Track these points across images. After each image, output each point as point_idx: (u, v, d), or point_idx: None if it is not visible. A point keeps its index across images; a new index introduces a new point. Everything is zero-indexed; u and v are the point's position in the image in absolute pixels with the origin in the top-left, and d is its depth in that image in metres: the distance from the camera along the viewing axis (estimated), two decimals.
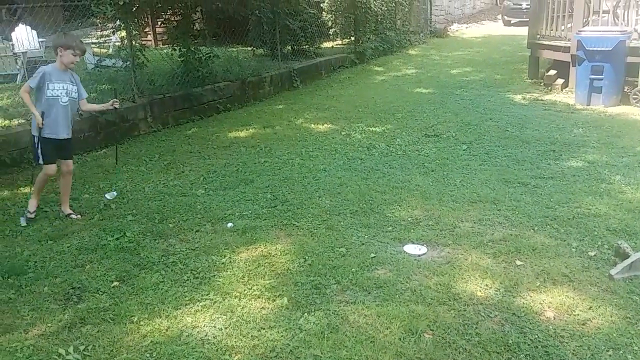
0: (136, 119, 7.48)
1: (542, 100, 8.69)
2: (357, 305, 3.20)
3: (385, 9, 13.40)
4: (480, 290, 3.28)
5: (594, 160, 5.69)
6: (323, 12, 12.61)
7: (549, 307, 3.07)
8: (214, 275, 3.63)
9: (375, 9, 12.86)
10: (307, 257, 3.81)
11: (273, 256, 3.86)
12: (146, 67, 7.80)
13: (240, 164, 6.10)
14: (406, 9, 14.70)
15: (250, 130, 7.60)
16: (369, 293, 3.33)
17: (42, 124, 4.41)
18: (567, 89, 9.11)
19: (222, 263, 3.79)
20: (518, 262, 3.58)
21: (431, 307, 3.14)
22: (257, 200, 4.95)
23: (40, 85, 4.40)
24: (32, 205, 4.69)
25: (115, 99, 4.95)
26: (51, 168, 4.63)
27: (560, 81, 9.28)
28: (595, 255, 3.64)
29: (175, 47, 8.34)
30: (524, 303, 3.12)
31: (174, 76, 8.31)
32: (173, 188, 5.40)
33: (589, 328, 2.87)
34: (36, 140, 4.52)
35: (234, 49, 11.20)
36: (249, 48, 11.16)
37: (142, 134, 7.49)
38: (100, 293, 3.47)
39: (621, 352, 2.68)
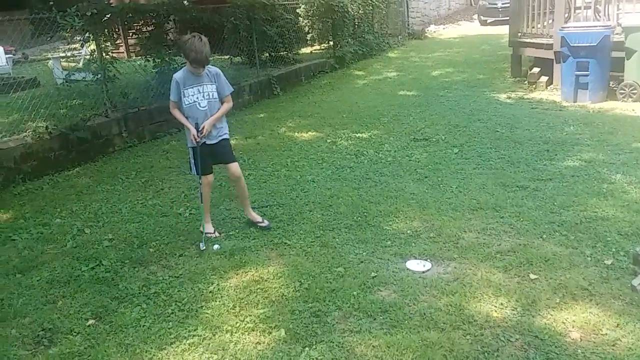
0: (110, 134, 7.08)
1: (527, 98, 8.52)
2: (363, 334, 2.90)
3: (363, 12, 13.20)
4: (495, 311, 3.00)
5: (590, 159, 5.49)
6: (299, 18, 12.34)
7: (573, 327, 2.80)
8: (202, 307, 3.29)
9: (353, 13, 12.63)
10: (302, 280, 3.50)
11: (265, 281, 3.54)
12: (118, 80, 7.41)
13: (223, 178, 5.72)
14: (383, 12, 14.52)
15: (232, 141, 7.20)
16: (375, 319, 3.03)
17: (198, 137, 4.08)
18: (551, 86, 8.97)
19: (210, 292, 3.46)
20: (532, 276, 3.32)
21: (445, 332, 2.85)
22: (243, 217, 4.61)
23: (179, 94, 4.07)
24: (208, 227, 4.33)
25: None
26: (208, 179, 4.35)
27: (544, 79, 9.14)
28: (612, 264, 3.40)
29: (149, 58, 7.96)
30: (545, 323, 2.85)
31: (148, 88, 7.93)
32: (152, 208, 5.04)
33: (620, 349, 2.61)
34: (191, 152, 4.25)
35: (210, 58, 10.86)
36: (226, 56, 10.81)
37: (118, 150, 7.10)
38: (74, 334, 3.10)
39: None
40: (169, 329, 3.09)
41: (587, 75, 7.78)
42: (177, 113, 4.18)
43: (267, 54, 10.83)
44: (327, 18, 12.10)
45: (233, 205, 4.94)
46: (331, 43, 12.49)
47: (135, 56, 12.77)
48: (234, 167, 4.33)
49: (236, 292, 3.43)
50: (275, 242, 4.12)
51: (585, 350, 2.62)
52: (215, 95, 4.13)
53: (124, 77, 7.86)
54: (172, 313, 3.25)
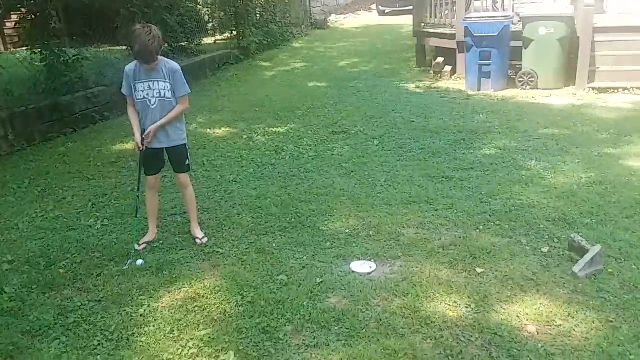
0: None
1: (435, 88, 8.75)
2: (321, 348, 2.70)
3: (265, 0, 12.86)
4: (450, 310, 2.94)
5: (504, 147, 5.70)
6: (198, 6, 11.76)
7: (527, 320, 2.81)
8: (133, 334, 2.91)
9: (256, 1, 12.27)
10: (244, 293, 3.23)
11: (203, 297, 3.22)
12: (1, 75, 6.54)
13: (135, 182, 5.25)
14: (286, 1, 14.27)
15: None
16: (330, 330, 2.84)
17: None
18: (455, 75, 9.29)
19: (141, 315, 3.07)
20: (478, 270, 3.31)
21: (405, 338, 2.73)
22: (165, 226, 4.22)
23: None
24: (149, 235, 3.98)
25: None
26: (148, 181, 3.99)
27: (448, 68, 9.43)
28: (548, 251, 3.49)
29: (35, 50, 7.10)
30: (501, 319, 2.84)
31: (36, 84, 7.09)
32: (56, 221, 4.47)
33: (577, 339, 2.65)
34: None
35: (102, 49, 10.02)
36: (122, 47, 10.01)
37: (4, 155, 6.27)
38: None
39: None
40: None
41: (489, 65, 8.12)
42: (130, 111, 3.74)
43: (168, 45, 10.18)
44: (229, 6, 11.63)
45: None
46: (234, 33, 12.04)
47: (14, 48, 11.49)
48: (182, 176, 3.97)
49: (171, 312, 3.08)
50: (206, 251, 3.79)
51: (544, 343, 2.63)
52: (169, 94, 3.68)
53: (5, 71, 6.97)
54: (99, 345, 2.84)
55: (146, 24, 3.55)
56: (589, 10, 7.63)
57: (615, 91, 7.63)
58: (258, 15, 12.99)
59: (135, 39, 3.42)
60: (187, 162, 3.99)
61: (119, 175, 5.48)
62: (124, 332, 2.93)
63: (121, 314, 3.10)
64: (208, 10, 11.86)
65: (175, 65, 3.71)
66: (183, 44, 10.39)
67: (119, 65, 8.75)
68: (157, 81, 3.63)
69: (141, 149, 3.73)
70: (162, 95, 3.66)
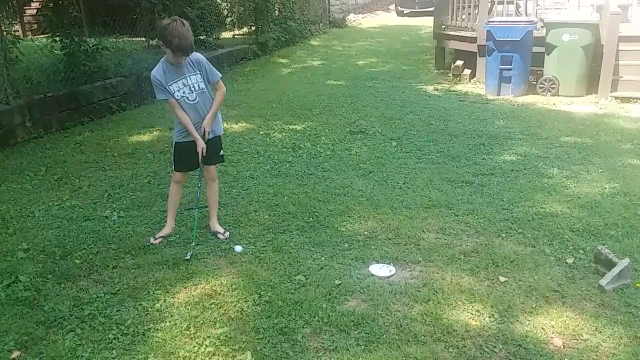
0: (12, 124, 6.23)
1: (454, 91, 8.65)
2: (340, 353, 2.65)
3: None
4: (473, 319, 2.87)
5: (525, 153, 5.61)
6: (218, 0, 11.72)
7: (553, 333, 2.73)
8: (149, 329, 2.87)
9: None
10: (261, 292, 3.18)
11: (219, 294, 3.17)
12: (20, 62, 6.53)
13: (151, 174, 5.24)
14: None
15: (155, 132, 6.67)
16: (349, 334, 2.79)
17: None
18: (475, 79, 9.19)
19: (157, 310, 3.03)
20: (501, 279, 3.24)
21: (426, 346, 2.67)
22: (182, 220, 4.18)
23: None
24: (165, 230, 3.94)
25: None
26: (177, 176, 3.90)
27: (467, 71, 9.33)
28: (573, 262, 3.40)
29: (55, 38, 7.09)
30: (526, 330, 2.76)
31: (55, 72, 7.08)
32: (72, 210, 4.45)
33: (604, 355, 2.57)
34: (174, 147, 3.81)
35: (122, 40, 10.01)
36: (141, 38, 10.00)
37: (21, 142, 6.26)
38: None
39: None
40: (112, 358, 2.66)
41: (510, 70, 8.02)
42: (181, 114, 3.60)
43: None
44: (248, 1, 11.58)
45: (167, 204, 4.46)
46: (253, 28, 11.99)
47: (33, 35, 11.52)
48: (213, 168, 3.93)
49: (188, 309, 3.04)
50: (222, 247, 3.74)
51: (571, 357, 2.56)
52: (202, 85, 3.62)
53: (25, 58, 6.96)
54: (115, 338, 2.80)
55: (172, 17, 3.50)
56: (615, 19, 7.50)
57: (638, 101, 7.50)
58: (277, 12, 12.93)
59: (172, 32, 3.33)
60: (222, 153, 3.94)
61: (136, 166, 5.45)
62: (140, 326, 2.89)
63: (137, 308, 3.06)
64: (227, 5, 11.81)
65: (198, 54, 3.65)
66: (202, 37, 10.36)
67: (138, 57, 8.76)
68: (189, 76, 3.56)
69: (204, 154, 3.66)
70: (199, 87, 3.61)
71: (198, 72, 3.59)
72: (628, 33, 7.87)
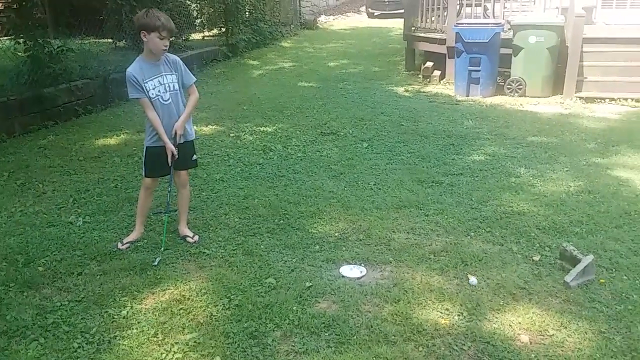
0: None
1: (424, 92, 8.74)
2: (310, 355, 2.63)
3: None
4: (442, 317, 2.89)
5: (493, 153, 5.69)
6: (187, 1, 11.59)
7: (520, 330, 2.77)
8: (115, 337, 2.81)
9: None
10: (231, 296, 3.14)
11: (188, 299, 3.12)
12: None
13: (118, 178, 5.14)
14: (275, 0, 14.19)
15: (122, 136, 6.55)
16: (319, 336, 2.77)
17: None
18: (444, 80, 9.29)
19: (124, 317, 2.97)
20: (470, 277, 3.27)
21: (397, 346, 2.67)
22: (150, 224, 4.10)
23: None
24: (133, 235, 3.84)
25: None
26: (147, 182, 3.78)
27: (437, 73, 9.44)
28: (540, 260, 3.46)
29: (19, 40, 6.90)
30: (493, 328, 2.79)
31: (19, 74, 6.89)
32: (35, 216, 4.32)
33: (569, 350, 2.62)
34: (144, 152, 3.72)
35: (88, 42, 9.82)
36: (108, 40, 9.82)
37: None
38: None
39: None
40: None
41: (478, 71, 8.14)
42: (152, 116, 3.51)
43: None
44: (218, 3, 11.49)
45: (135, 210, 4.37)
46: (223, 30, 11.90)
47: None
48: (185, 173, 3.84)
49: (155, 315, 2.98)
50: (192, 252, 3.69)
51: (538, 354, 2.59)
52: (177, 86, 3.57)
53: None
54: (80, 347, 2.73)
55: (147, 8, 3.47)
56: (579, 21, 7.68)
57: (602, 101, 7.70)
58: (247, 13, 12.86)
59: (154, 14, 3.35)
60: (195, 158, 3.88)
61: (102, 170, 5.34)
62: (106, 334, 2.83)
63: (103, 315, 2.99)
64: (197, 6, 11.69)
65: (174, 56, 3.61)
66: (171, 38, 10.22)
67: (104, 58, 8.59)
68: (165, 75, 3.52)
69: (176, 157, 3.57)
70: (173, 88, 3.55)
71: (174, 72, 3.55)
72: (592, 35, 8.08)
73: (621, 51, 7.92)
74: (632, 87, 7.67)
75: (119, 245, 3.74)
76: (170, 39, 3.54)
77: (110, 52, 9.28)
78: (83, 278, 3.38)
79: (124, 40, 9.66)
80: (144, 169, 3.78)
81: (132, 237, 3.82)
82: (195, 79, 3.75)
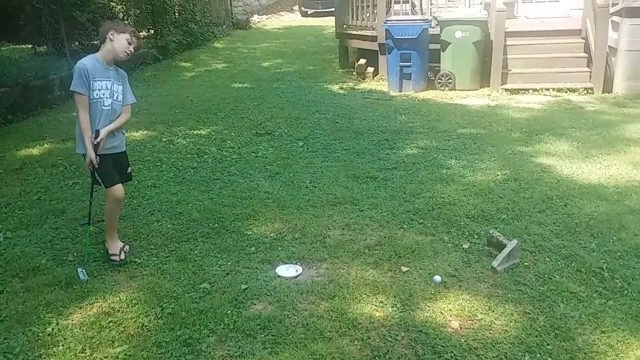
0: None
1: (358, 89, 8.84)
2: (246, 358, 2.60)
3: None
4: (377, 310, 2.93)
5: (425, 146, 5.83)
6: (112, 2, 11.18)
7: (451, 316, 2.85)
8: (40, 355, 2.67)
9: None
10: (164, 305, 3.05)
11: (118, 311, 3.01)
12: None
13: (42, 190, 4.90)
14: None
15: (46, 145, 6.23)
16: (255, 338, 2.74)
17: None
18: (378, 76, 9.44)
19: (49, 334, 2.82)
20: (403, 268, 3.33)
21: (332, 341, 2.68)
22: (76, 236, 3.93)
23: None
24: (116, 247, 3.58)
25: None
26: (116, 189, 3.51)
27: (370, 69, 9.58)
28: (469, 247, 3.58)
29: None
30: (426, 316, 2.86)
31: None
32: None
33: (497, 332, 2.72)
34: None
35: (5, 48, 9.32)
36: (27, 45, 9.33)
37: None
38: None
39: (538, 355, 2.56)
40: None
41: (409, 66, 8.32)
42: (84, 117, 3.33)
43: (78, 43, 9.60)
44: (145, 4, 11.16)
45: (60, 222, 4.19)
46: (151, 32, 11.57)
47: None
48: (121, 186, 3.62)
49: (83, 330, 2.85)
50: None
51: (467, 338, 2.67)
52: (120, 98, 3.46)
53: None
54: None
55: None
56: (501, 15, 8.00)
57: (526, 92, 8.06)
58: (176, 14, 12.56)
59: (122, 24, 3.52)
60: (129, 171, 3.79)
61: (24, 182, 5.07)
62: (30, 353, 2.68)
63: (26, 334, 2.83)
64: (122, 7, 11.29)
65: (123, 71, 3.55)
66: (95, 42, 9.83)
67: (24, 65, 8.16)
68: (114, 82, 3.43)
69: (96, 165, 3.36)
70: (117, 99, 3.45)
71: (122, 85, 3.49)
72: (514, 28, 8.44)
73: (541, 43, 8.33)
74: (552, 78, 8.07)
75: (122, 256, 3.56)
76: (134, 52, 3.53)
77: (31, 58, 8.81)
78: (4, 296, 3.20)
79: (44, 46, 9.20)
80: (103, 179, 3.48)
81: (118, 245, 3.62)
82: (135, 101, 3.69)
